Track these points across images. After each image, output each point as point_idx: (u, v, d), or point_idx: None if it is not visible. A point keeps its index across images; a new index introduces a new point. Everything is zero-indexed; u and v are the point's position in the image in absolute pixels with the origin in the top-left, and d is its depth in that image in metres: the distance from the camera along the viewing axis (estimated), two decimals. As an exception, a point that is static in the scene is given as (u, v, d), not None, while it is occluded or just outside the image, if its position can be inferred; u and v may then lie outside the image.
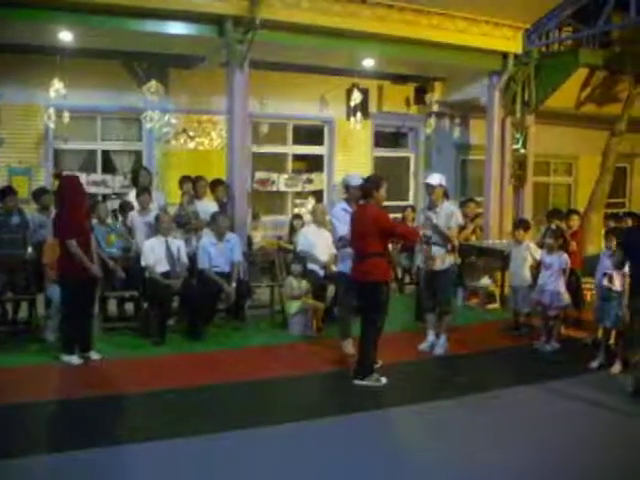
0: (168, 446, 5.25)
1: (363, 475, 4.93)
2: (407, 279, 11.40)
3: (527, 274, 8.99)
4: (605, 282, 7.59)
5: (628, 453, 5.46)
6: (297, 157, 12.96)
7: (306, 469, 5.00)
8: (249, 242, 10.33)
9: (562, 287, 8.37)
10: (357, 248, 7.04)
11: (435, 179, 8.01)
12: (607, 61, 12.29)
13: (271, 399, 6.55)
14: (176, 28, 9.40)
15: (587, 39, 12.59)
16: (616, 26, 12.32)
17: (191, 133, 11.65)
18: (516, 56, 11.88)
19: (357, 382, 6.81)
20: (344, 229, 7.50)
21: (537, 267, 8.72)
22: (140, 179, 9.55)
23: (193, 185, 9.55)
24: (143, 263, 8.33)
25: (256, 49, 9.59)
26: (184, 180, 9.64)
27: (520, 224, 9.46)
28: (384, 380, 6.86)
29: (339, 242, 7.86)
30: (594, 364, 7.70)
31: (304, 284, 8.82)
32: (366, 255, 6.85)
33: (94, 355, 7.41)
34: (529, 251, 9.04)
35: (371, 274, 6.81)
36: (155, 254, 8.35)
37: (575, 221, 9.43)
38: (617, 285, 7.49)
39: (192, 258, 8.80)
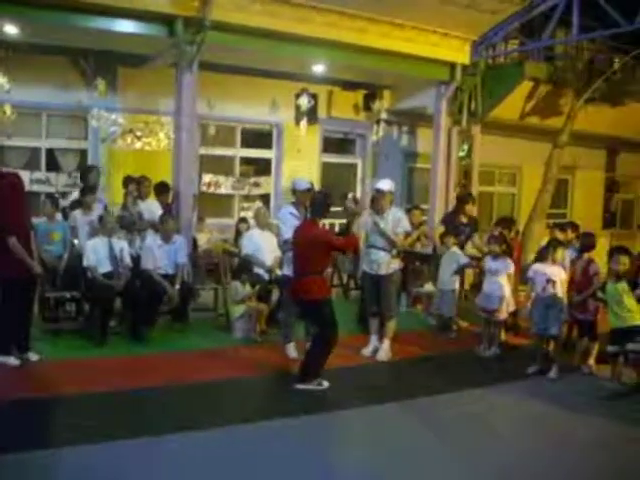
0: (103, 448, 5.17)
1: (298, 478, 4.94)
2: (352, 284, 11.45)
3: (452, 279, 9.22)
4: (550, 289, 7.75)
5: (561, 454, 5.60)
6: (245, 160, 12.92)
7: (243, 472, 4.99)
8: (194, 244, 10.26)
9: (508, 292, 8.54)
10: (297, 265, 7.04)
11: (386, 185, 8.08)
12: (551, 75, 12.62)
13: (211, 402, 6.49)
14: (125, 26, 9.30)
15: (532, 53, 12.91)
16: (559, 41, 12.70)
17: (138, 133, 11.48)
18: (463, 67, 12.08)
19: (299, 386, 6.82)
20: (289, 233, 7.52)
21: (480, 273, 8.88)
22: (90, 178, 9.40)
23: (137, 185, 9.45)
24: (85, 263, 8.21)
25: (206, 50, 9.56)
26: (128, 180, 9.53)
27: (447, 231, 9.68)
28: (326, 384, 6.87)
29: (284, 245, 7.88)
30: (531, 370, 7.87)
31: (248, 288, 8.80)
32: (305, 273, 6.86)
33: (33, 356, 7.25)
34: (455, 256, 9.25)
35: (310, 292, 6.82)
36: (97, 254, 8.23)
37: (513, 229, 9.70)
38: (554, 293, 7.69)
39: (136, 259, 8.71)
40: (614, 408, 6.72)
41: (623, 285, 6.85)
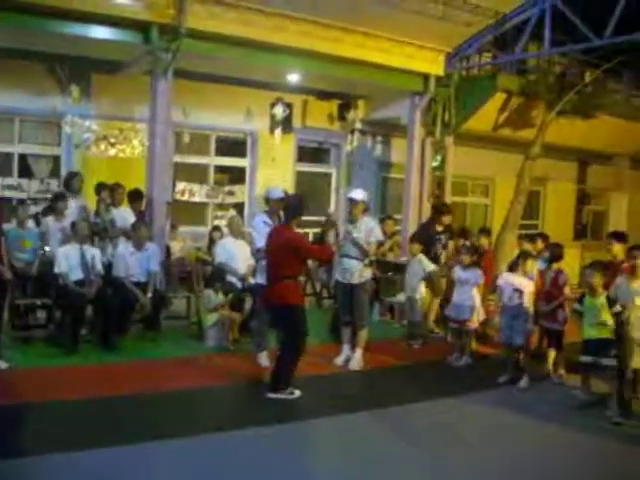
0: (72, 457, 5.13)
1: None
2: (325, 293, 11.48)
3: (419, 286, 9.32)
4: (516, 299, 7.85)
5: (530, 463, 5.66)
6: (219, 169, 12.90)
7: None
8: (167, 252, 10.22)
9: (478, 302, 8.62)
10: (270, 271, 7.02)
11: (359, 194, 8.14)
12: (523, 87, 12.77)
13: (184, 411, 6.45)
14: (100, 32, 9.24)
15: (505, 65, 13.06)
16: (532, 55, 12.87)
17: (112, 140, 11.45)
18: (437, 78, 12.18)
19: (271, 395, 6.80)
20: (262, 241, 7.53)
21: (450, 283, 8.94)
22: (73, 184, 9.31)
23: (110, 192, 9.39)
24: (57, 270, 8.15)
25: (181, 58, 9.55)
26: (101, 187, 9.47)
27: (413, 238, 9.77)
28: (298, 393, 6.87)
29: (257, 254, 7.89)
30: (502, 379, 7.94)
31: (221, 296, 8.79)
32: (278, 278, 6.84)
33: (2, 364, 7.18)
34: (421, 264, 9.33)
35: (283, 297, 6.80)
36: (69, 261, 8.17)
37: (486, 240, 9.77)
38: (520, 303, 7.78)
39: (107, 266, 8.65)
40: (584, 417, 6.82)
41: (602, 301, 6.92)
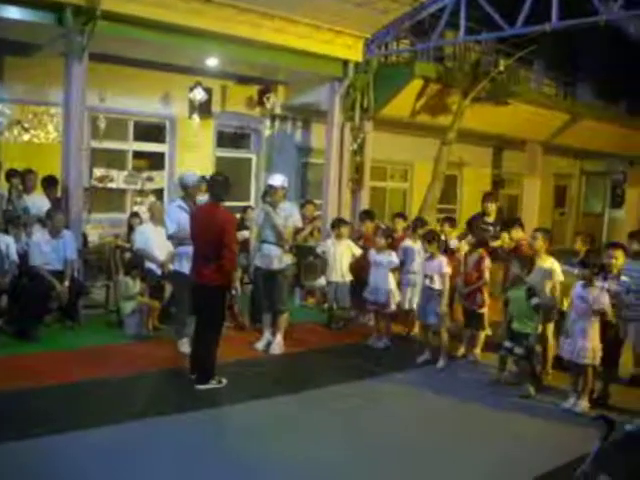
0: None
1: (191, 474, 4.96)
2: (245, 279, 11.47)
3: (346, 270, 9.43)
4: (427, 282, 8.08)
5: (450, 438, 5.86)
6: (138, 154, 12.69)
7: (136, 469, 4.99)
8: (84, 240, 10.03)
9: (393, 285, 8.79)
10: (198, 249, 6.89)
11: (277, 180, 8.16)
12: (440, 74, 13.00)
13: (104, 400, 6.39)
14: (12, 12, 8.92)
15: (422, 53, 13.28)
16: (448, 42, 13.12)
17: (26, 125, 11.12)
18: (356, 64, 12.29)
19: (200, 387, 6.75)
20: (174, 227, 7.50)
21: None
22: None
23: (21, 179, 9.13)
24: (-32, 260, 7.92)
25: (97, 41, 9.32)
26: (11, 174, 9.19)
27: (339, 223, 9.86)
28: (225, 381, 6.88)
29: (169, 240, 7.85)
30: (421, 359, 8.16)
31: (139, 283, 8.70)
32: (206, 257, 6.72)
33: None
34: (349, 248, 9.44)
35: (211, 278, 6.70)
36: (-19, 250, 7.95)
37: (401, 224, 9.94)
38: (437, 285, 7.98)
39: (23, 255, 8.45)
40: (498, 395, 7.10)
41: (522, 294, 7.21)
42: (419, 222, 9.57)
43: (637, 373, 7.31)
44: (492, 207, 10.04)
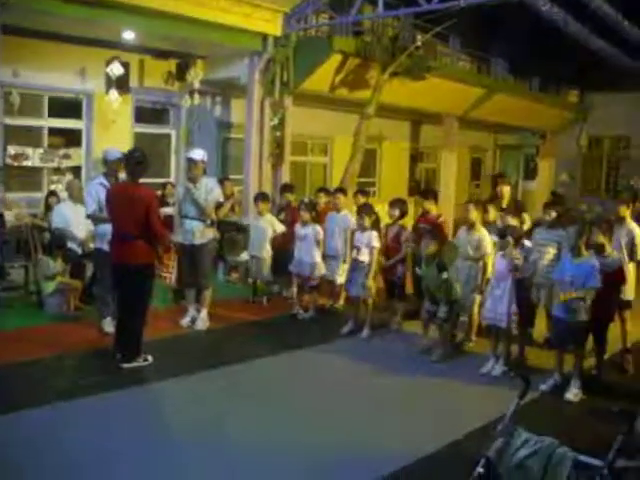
0: None
1: (117, 454, 4.96)
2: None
3: (267, 245, 9.50)
4: (354, 254, 8.24)
5: (367, 406, 6.03)
6: (54, 131, 12.36)
7: (63, 450, 4.98)
8: (1, 220, 9.76)
9: (318, 258, 8.93)
10: (118, 228, 6.77)
11: (198, 154, 8.14)
12: (359, 49, 13.07)
13: (29, 381, 6.32)
14: None
15: (341, 27, 13.32)
16: (366, 17, 13.23)
17: None
18: (275, 38, 12.25)
19: (125, 366, 6.72)
20: (93, 207, 7.40)
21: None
22: None
23: None
24: None
25: (9, 13, 9.01)
26: None
27: (260, 197, 9.91)
28: (151, 359, 6.88)
29: (89, 218, 7.75)
30: (345, 330, 8.34)
31: (59, 262, 8.55)
32: (128, 236, 6.63)
33: None
34: (270, 223, 9.52)
35: (134, 256, 6.62)
36: None
37: (323, 198, 10.10)
38: (364, 258, 8.14)
39: None
40: (418, 363, 7.34)
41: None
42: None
43: (549, 336, 7.66)
44: (505, 190, 9.84)
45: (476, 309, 7.85)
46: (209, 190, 8.10)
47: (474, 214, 7.88)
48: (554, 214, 7.86)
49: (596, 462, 3.34)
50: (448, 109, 17.71)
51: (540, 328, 8.05)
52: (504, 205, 9.52)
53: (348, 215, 9.00)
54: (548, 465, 3.40)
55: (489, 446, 3.52)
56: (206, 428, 5.47)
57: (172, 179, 13.30)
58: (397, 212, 8.61)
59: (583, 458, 3.41)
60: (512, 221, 7.48)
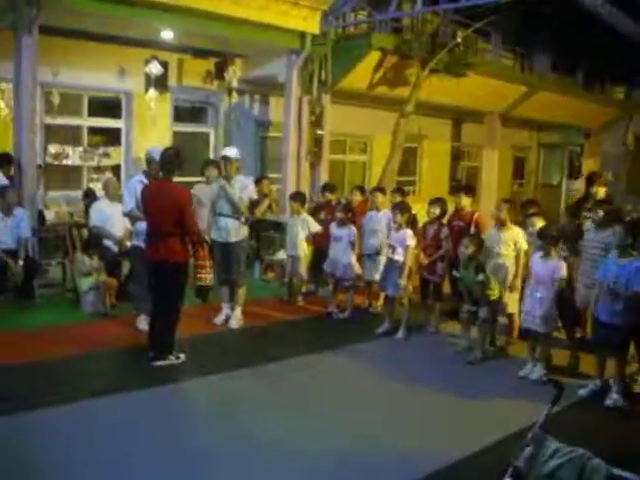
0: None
1: (155, 449, 4.95)
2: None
3: (303, 244, 9.43)
4: (389, 253, 8.12)
5: (399, 409, 5.91)
6: (93, 130, 12.46)
7: (95, 447, 4.95)
8: (41, 218, 9.86)
9: (353, 259, 8.84)
10: (153, 226, 6.76)
11: (232, 152, 8.14)
12: (398, 46, 12.95)
13: (63, 378, 6.32)
14: (-46, -16, 8.70)
15: (380, 24, 13.22)
16: (405, 13, 13.07)
17: (-24, 101, 10.85)
18: (313, 36, 12.18)
19: (158, 363, 6.70)
20: (132, 203, 7.39)
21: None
22: None
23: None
24: None
25: (48, 14, 9.09)
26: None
27: (296, 197, 9.82)
28: (183, 357, 6.85)
29: (126, 216, 7.77)
30: (381, 330, 8.23)
31: (96, 260, 8.59)
32: (163, 234, 6.62)
33: None
34: (306, 223, 9.43)
35: (169, 254, 6.61)
36: None
37: (357, 197, 9.99)
38: (399, 257, 8.01)
39: (-25, 234, 8.29)
40: (455, 365, 7.20)
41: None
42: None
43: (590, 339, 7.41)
44: (600, 192, 9.17)
45: (516, 309, 7.64)
46: (243, 187, 8.06)
47: (504, 213, 7.75)
48: (601, 213, 7.57)
49: (632, 477, 3.17)
50: (489, 107, 17.49)
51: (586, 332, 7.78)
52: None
53: (388, 214, 8.85)
54: (581, 478, 3.24)
55: (518, 455, 3.38)
56: (235, 429, 5.40)
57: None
58: (438, 210, 8.45)
59: (617, 472, 3.24)
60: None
